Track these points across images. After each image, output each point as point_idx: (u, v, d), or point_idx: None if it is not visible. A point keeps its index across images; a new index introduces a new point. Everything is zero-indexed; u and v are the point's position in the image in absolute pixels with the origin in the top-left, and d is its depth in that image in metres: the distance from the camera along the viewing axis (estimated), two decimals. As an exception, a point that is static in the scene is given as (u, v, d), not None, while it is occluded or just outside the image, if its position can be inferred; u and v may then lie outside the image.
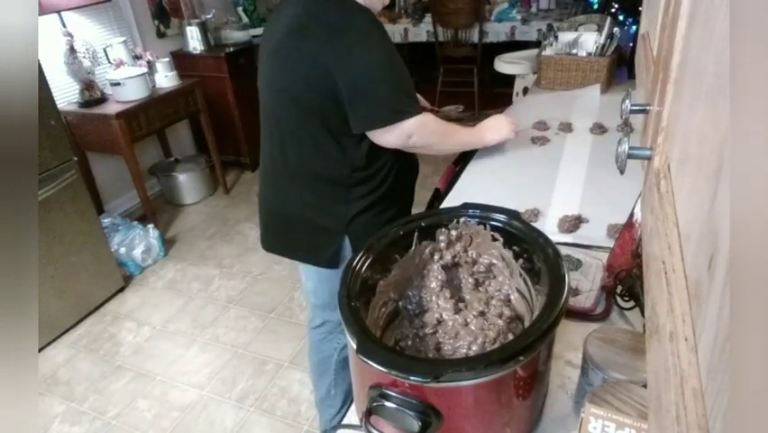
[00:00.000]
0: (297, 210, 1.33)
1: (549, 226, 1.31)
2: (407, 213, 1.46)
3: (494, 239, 0.91)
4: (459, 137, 1.44)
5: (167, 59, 3.30)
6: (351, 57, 1.14)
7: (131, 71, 3.02)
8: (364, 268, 0.83)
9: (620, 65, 2.41)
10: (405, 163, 1.35)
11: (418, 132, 1.23)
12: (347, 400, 1.57)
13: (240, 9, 4.12)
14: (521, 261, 0.89)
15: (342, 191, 1.28)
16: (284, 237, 1.42)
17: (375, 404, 0.67)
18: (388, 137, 1.22)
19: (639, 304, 0.97)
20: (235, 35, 3.79)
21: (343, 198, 1.29)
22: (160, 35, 3.66)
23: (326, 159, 1.26)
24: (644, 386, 0.71)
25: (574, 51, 2.21)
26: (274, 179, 1.36)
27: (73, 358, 2.41)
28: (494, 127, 1.55)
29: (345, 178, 1.27)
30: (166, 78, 3.23)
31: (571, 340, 0.96)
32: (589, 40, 2.19)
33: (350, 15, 1.16)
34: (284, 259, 1.49)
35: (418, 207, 1.46)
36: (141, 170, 3.16)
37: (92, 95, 3.01)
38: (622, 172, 0.54)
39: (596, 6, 4.19)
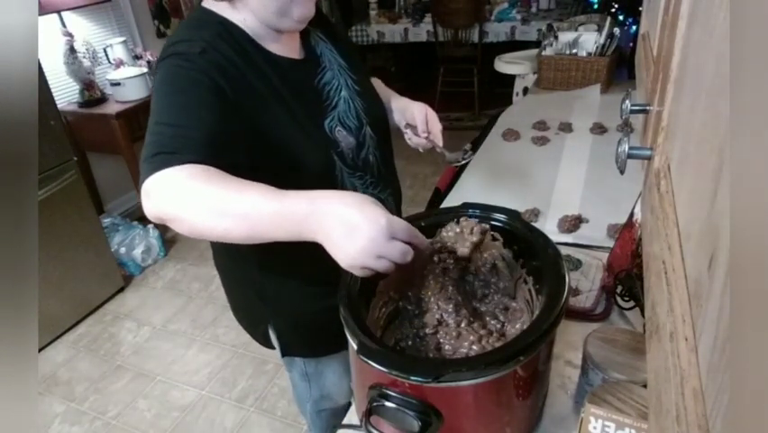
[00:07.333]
0: None
1: (549, 226, 1.31)
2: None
3: (494, 239, 0.91)
4: (241, 206, 0.65)
5: (167, 59, 3.30)
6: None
7: (131, 71, 3.02)
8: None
9: (620, 65, 2.41)
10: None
11: (153, 197, 0.69)
12: None
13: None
14: (521, 261, 0.89)
15: None
16: None
17: (375, 404, 0.67)
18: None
19: (639, 304, 0.97)
20: (235, 35, 3.79)
21: None
22: (160, 35, 3.66)
23: None
24: (644, 386, 0.71)
25: (574, 51, 2.22)
26: None
27: (73, 358, 2.41)
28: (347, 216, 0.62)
29: None
30: (166, 78, 3.23)
31: (571, 340, 0.96)
32: (589, 40, 2.20)
33: (176, 34, 0.87)
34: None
35: (418, 207, 1.47)
36: (141, 170, 3.16)
37: (92, 95, 3.01)
38: (622, 172, 0.54)
39: (596, 6, 4.19)
